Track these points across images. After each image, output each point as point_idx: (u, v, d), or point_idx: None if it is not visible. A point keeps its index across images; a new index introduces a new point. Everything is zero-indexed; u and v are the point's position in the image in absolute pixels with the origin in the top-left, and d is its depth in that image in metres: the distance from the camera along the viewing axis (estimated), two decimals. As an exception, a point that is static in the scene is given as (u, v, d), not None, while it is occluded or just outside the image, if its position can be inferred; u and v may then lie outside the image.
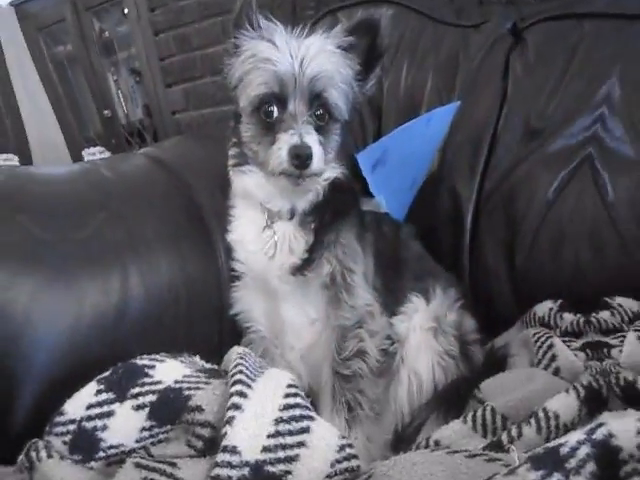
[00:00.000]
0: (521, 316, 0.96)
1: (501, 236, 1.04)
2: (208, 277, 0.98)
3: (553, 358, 0.81)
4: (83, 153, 2.88)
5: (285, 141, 0.81)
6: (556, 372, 0.79)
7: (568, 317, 0.93)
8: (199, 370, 0.73)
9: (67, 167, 1.05)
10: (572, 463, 0.46)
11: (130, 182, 1.00)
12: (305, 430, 0.62)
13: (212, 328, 0.97)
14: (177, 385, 0.68)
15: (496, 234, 1.04)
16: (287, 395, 0.65)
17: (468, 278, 1.07)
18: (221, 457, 0.58)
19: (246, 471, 0.57)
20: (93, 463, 0.64)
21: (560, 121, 1.01)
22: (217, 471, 0.57)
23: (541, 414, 0.64)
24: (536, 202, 1.00)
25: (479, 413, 0.71)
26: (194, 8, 2.28)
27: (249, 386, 0.64)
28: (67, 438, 0.65)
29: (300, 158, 0.81)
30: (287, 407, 0.63)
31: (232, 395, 0.62)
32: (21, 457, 0.65)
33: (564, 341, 0.84)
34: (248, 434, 0.60)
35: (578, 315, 0.91)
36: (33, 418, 0.71)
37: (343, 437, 0.63)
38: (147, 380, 0.68)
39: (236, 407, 0.62)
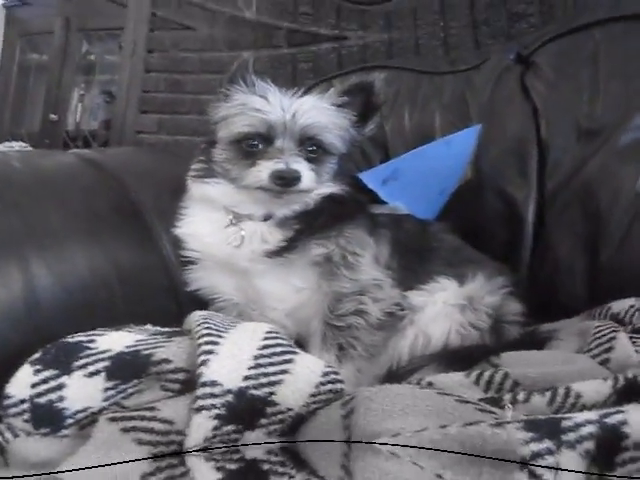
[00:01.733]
0: (591, 309, 0.99)
1: (579, 230, 1.12)
2: (148, 262, 1.02)
3: (608, 350, 0.80)
4: (1, 145, 2.90)
5: (267, 166, 0.86)
6: (604, 362, 0.78)
7: None
8: (154, 334, 0.75)
9: None
10: (570, 436, 0.48)
11: (41, 175, 1.05)
12: (288, 361, 0.65)
13: (166, 303, 1.01)
14: (131, 349, 0.70)
15: (572, 229, 1.13)
16: (266, 338, 0.68)
17: (527, 269, 1.18)
18: (201, 390, 0.61)
19: (229, 397, 0.61)
20: (65, 431, 0.66)
21: (615, 119, 1.13)
22: (199, 402, 0.60)
23: (561, 390, 0.63)
24: (623, 195, 1.08)
25: (487, 372, 0.71)
26: (195, 62, 2.42)
27: (220, 336, 0.67)
28: (26, 416, 0.67)
29: (284, 178, 0.85)
30: (267, 347, 0.66)
31: (201, 345, 0.65)
32: None
33: (632, 337, 0.83)
34: (227, 370, 0.63)
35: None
36: None
37: (329, 366, 0.67)
38: (90, 352, 0.69)
39: (208, 352, 0.64)
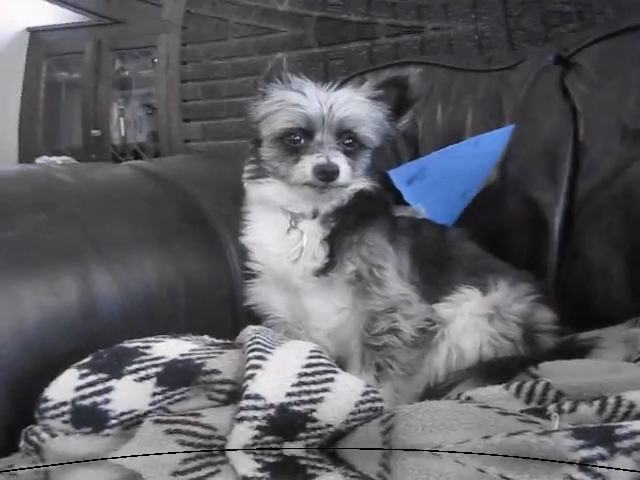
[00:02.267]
0: (637, 317, 0.97)
1: (617, 235, 1.11)
2: (215, 274, 1.06)
3: None
4: (37, 160, 2.93)
5: (310, 161, 0.89)
6: None
7: None
8: (209, 344, 0.77)
9: (7, 167, 1.14)
10: (625, 444, 0.46)
11: (96, 187, 1.06)
12: (329, 380, 0.66)
13: (224, 315, 1.04)
14: (184, 357, 0.71)
15: (608, 234, 1.12)
16: (310, 357, 0.69)
17: (554, 276, 1.17)
18: (245, 402, 0.63)
19: (272, 411, 0.62)
20: (107, 430, 0.67)
21: None
22: (242, 413, 0.62)
23: (611, 399, 0.60)
24: None
25: (528, 384, 0.69)
26: (228, 68, 2.51)
27: (268, 352, 0.69)
28: (66, 417, 0.67)
29: (326, 172, 0.88)
30: (310, 365, 0.68)
31: (250, 359, 0.67)
32: (22, 444, 0.69)
33: None
34: (271, 385, 0.64)
35: None
36: (16, 410, 0.74)
37: (369, 386, 0.68)
38: (145, 357, 0.71)
39: (256, 367, 0.66)
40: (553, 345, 0.92)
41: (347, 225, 0.93)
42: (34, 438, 0.67)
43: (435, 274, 0.96)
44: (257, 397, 0.62)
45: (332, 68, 2.14)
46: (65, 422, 0.67)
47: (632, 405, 0.59)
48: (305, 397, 0.63)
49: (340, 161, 0.88)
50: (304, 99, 0.90)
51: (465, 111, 1.35)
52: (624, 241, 1.09)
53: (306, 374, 0.66)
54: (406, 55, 1.93)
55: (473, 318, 0.90)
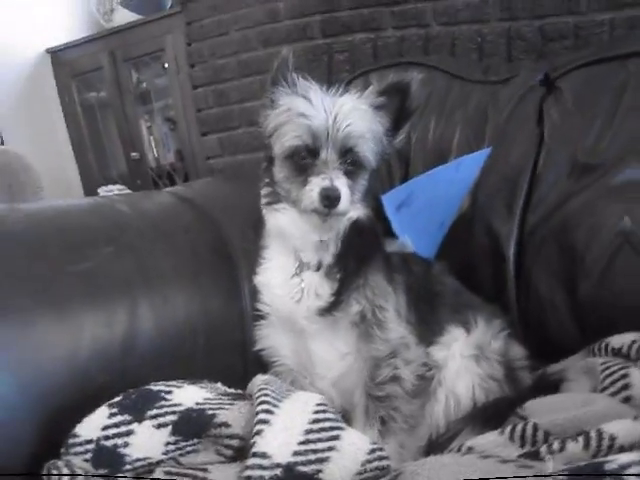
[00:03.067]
0: (588, 345, 1.02)
1: (555, 267, 1.15)
2: (230, 313, 1.08)
3: (625, 387, 0.82)
4: (99, 190, 3.09)
5: (317, 184, 0.93)
6: (626, 401, 0.80)
7: None
8: (222, 394, 0.80)
9: (76, 201, 1.18)
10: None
11: (148, 217, 1.11)
12: (335, 437, 0.68)
13: (235, 360, 1.06)
14: (199, 406, 0.75)
15: (549, 265, 1.16)
16: (316, 412, 0.71)
17: (516, 308, 1.19)
18: (252, 461, 0.64)
19: (278, 471, 0.64)
20: (121, 474, 0.71)
21: (617, 156, 1.13)
22: (248, 472, 0.63)
23: (593, 434, 0.63)
24: (604, 232, 1.09)
25: (519, 427, 0.73)
26: (234, 67, 2.54)
27: (276, 405, 0.71)
28: (88, 456, 0.71)
29: (329, 199, 0.92)
30: (317, 421, 0.70)
31: (259, 413, 0.69)
32: (44, 479, 0.73)
33: None
34: (278, 442, 0.66)
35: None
36: (40, 444, 0.79)
37: (374, 443, 0.70)
38: (165, 403, 0.75)
39: (264, 422, 0.68)
40: (530, 382, 0.98)
41: (349, 271, 0.97)
42: (54, 472, 0.70)
43: (426, 312, 1.01)
44: (264, 455, 0.63)
45: (337, 63, 2.15)
46: (86, 460, 0.70)
47: (613, 438, 0.62)
48: (312, 456, 0.65)
49: (341, 184, 0.92)
50: (310, 108, 0.94)
51: (454, 128, 1.37)
52: (562, 272, 1.12)
53: (312, 430, 0.67)
54: (410, 52, 1.95)
55: (463, 360, 0.96)
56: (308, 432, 0.67)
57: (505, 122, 1.31)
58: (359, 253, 0.99)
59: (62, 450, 0.73)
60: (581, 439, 0.63)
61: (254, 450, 0.64)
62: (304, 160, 0.95)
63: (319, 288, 0.98)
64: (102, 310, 0.91)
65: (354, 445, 0.67)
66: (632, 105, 1.15)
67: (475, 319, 1.01)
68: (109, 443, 0.71)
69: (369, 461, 0.67)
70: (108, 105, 3.39)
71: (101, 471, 0.70)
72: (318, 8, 2.19)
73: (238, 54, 2.49)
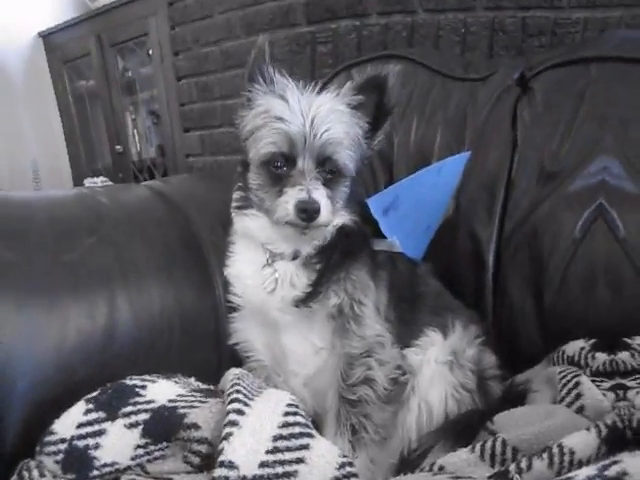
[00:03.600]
0: (548, 354, 1.05)
1: (526, 274, 1.16)
2: (204, 306, 1.07)
3: (578, 396, 0.86)
4: (85, 181, 3.17)
5: (292, 195, 0.89)
6: (580, 410, 0.84)
7: (601, 357, 0.97)
8: (194, 390, 0.79)
9: (64, 192, 1.16)
10: None
11: (125, 209, 1.11)
12: (304, 447, 0.66)
13: (209, 354, 1.06)
14: (171, 404, 0.73)
15: (521, 272, 1.17)
16: (287, 414, 0.69)
17: (492, 315, 1.20)
18: (218, 472, 0.62)
19: None
20: None
21: (576, 163, 1.14)
22: None
23: (555, 449, 0.66)
24: (562, 240, 1.12)
25: (489, 444, 0.75)
26: (217, 56, 2.50)
27: (246, 404, 0.69)
28: (59, 457, 0.70)
29: (307, 212, 0.88)
30: (286, 425, 0.68)
31: (229, 412, 0.67)
32: (13, 478, 0.72)
33: (594, 381, 0.89)
34: (246, 450, 0.64)
35: (612, 355, 0.97)
36: (22, 439, 0.79)
37: (344, 455, 0.68)
38: (139, 399, 0.74)
39: (233, 424, 0.66)
40: (499, 393, 0.98)
41: (332, 264, 0.94)
42: (25, 474, 0.69)
43: (407, 311, 0.99)
44: (231, 465, 0.61)
45: (320, 55, 2.11)
46: (57, 462, 0.69)
47: (572, 452, 0.64)
48: (279, 469, 0.62)
49: (320, 195, 0.88)
50: (287, 110, 0.90)
51: (435, 130, 1.36)
52: (531, 280, 1.14)
53: (282, 437, 0.65)
54: (394, 42, 1.91)
55: (437, 366, 0.94)
56: (277, 439, 0.65)
57: (483, 124, 1.30)
58: (344, 248, 0.97)
59: (37, 449, 0.72)
60: (546, 456, 0.65)
61: (221, 459, 0.63)
62: (280, 169, 0.91)
63: (294, 278, 0.95)
64: (85, 301, 0.91)
65: (323, 458, 0.65)
66: (589, 111, 1.15)
67: (453, 323, 0.99)
68: (81, 443, 0.70)
69: (337, 478, 0.65)
70: (97, 95, 3.43)
71: (69, 475, 0.69)
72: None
73: (221, 42, 2.45)
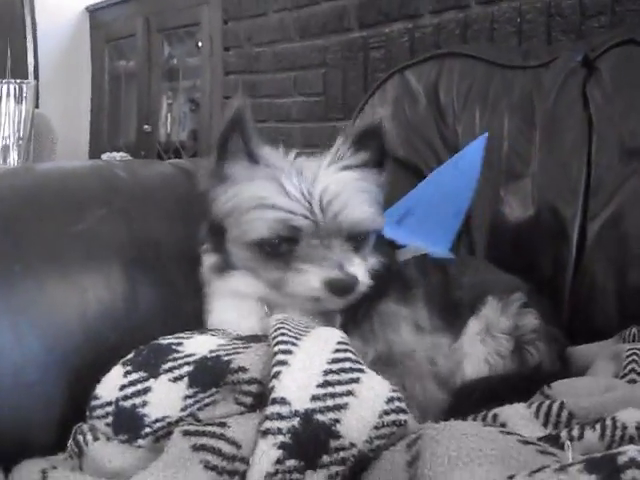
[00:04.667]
0: (621, 332, 1.02)
1: (611, 253, 1.16)
2: None
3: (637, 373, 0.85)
4: (102, 156, 3.14)
5: (317, 273, 0.76)
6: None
7: None
8: (235, 338, 0.79)
9: (79, 163, 1.21)
10: (628, 475, 0.49)
11: (143, 184, 1.12)
12: (354, 380, 0.66)
13: None
14: (213, 354, 0.74)
15: (606, 252, 1.17)
16: (337, 350, 0.69)
17: (569, 293, 1.20)
18: (270, 409, 0.63)
19: (296, 421, 0.62)
20: (140, 441, 0.70)
21: None
22: (267, 424, 0.62)
23: (608, 422, 0.65)
24: None
25: (546, 403, 0.74)
26: (269, 57, 2.56)
27: (294, 344, 0.69)
28: (109, 420, 0.71)
29: (343, 289, 0.76)
30: (336, 360, 0.68)
31: (276, 354, 0.67)
32: (70, 442, 0.74)
33: None
34: (297, 385, 0.64)
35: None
36: (71, 406, 0.80)
37: (394, 390, 0.67)
38: (178, 355, 0.74)
39: (282, 363, 0.66)
40: (542, 359, 0.93)
41: (358, 310, 0.83)
42: (80, 438, 0.71)
43: (449, 320, 0.92)
44: (283, 401, 0.62)
45: (372, 61, 2.13)
46: (108, 425, 0.70)
47: (625, 427, 0.64)
48: (330, 402, 0.63)
49: (357, 266, 0.77)
50: (284, 197, 0.76)
51: (502, 117, 1.35)
52: (616, 260, 1.13)
53: (332, 371, 0.65)
54: (448, 42, 1.93)
55: (468, 345, 0.90)
56: (327, 373, 0.65)
57: (552, 107, 1.29)
58: (369, 292, 0.82)
59: (87, 413, 0.73)
60: (598, 427, 0.65)
61: (272, 396, 0.63)
62: (280, 249, 0.78)
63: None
64: (100, 272, 0.92)
65: (373, 391, 0.65)
66: None
67: (484, 300, 0.94)
68: (128, 403, 0.70)
69: (386, 412, 0.64)
70: (134, 76, 3.50)
71: (121, 437, 0.69)
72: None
73: (274, 44, 2.50)
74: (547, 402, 0.74)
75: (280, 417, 0.62)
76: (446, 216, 1.19)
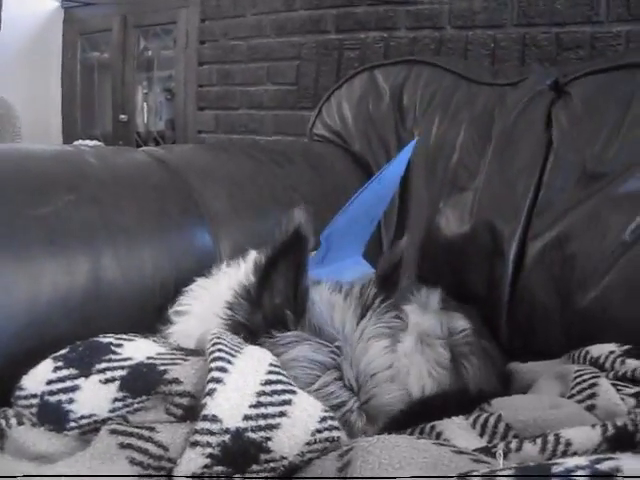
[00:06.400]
0: (569, 352, 1.01)
1: (556, 273, 1.15)
2: (202, 272, 1.03)
3: (591, 396, 0.81)
4: (75, 142, 3.05)
5: None
6: (590, 409, 0.79)
7: (632, 363, 0.89)
8: (175, 349, 0.77)
9: (42, 146, 1.14)
10: None
11: (115, 171, 1.09)
12: (287, 402, 0.65)
13: None
14: (150, 361, 0.71)
15: (550, 271, 1.16)
16: (269, 372, 0.68)
17: (506, 308, 1.20)
18: (201, 425, 0.61)
19: (226, 437, 0.61)
20: (67, 432, 0.68)
21: (624, 166, 1.13)
22: (196, 437, 0.60)
23: (551, 437, 0.64)
24: (607, 242, 1.10)
25: (483, 415, 0.74)
26: (243, 49, 2.57)
27: (229, 362, 0.67)
28: (33, 410, 0.69)
29: None
30: (269, 382, 0.66)
31: (212, 370, 0.66)
32: None
33: (615, 385, 0.83)
34: (229, 404, 0.63)
35: (647, 364, 0.96)
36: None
37: (326, 410, 0.66)
38: (114, 357, 0.71)
39: (217, 380, 0.65)
40: (478, 364, 0.93)
41: None
42: (2, 422, 0.68)
43: None
44: (214, 419, 0.60)
45: (346, 60, 2.17)
46: (32, 415, 0.68)
47: (569, 443, 0.62)
48: (262, 422, 0.62)
49: None
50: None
51: (459, 128, 1.36)
52: (560, 280, 1.13)
53: (264, 393, 0.64)
54: (421, 54, 1.93)
55: (407, 357, 0.89)
56: (260, 394, 0.64)
57: (512, 124, 1.31)
58: None
59: (12, 400, 0.70)
60: (539, 441, 0.63)
61: (204, 412, 0.61)
62: None
63: None
64: (62, 257, 0.88)
65: (305, 412, 0.64)
66: (638, 116, 1.15)
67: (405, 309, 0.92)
68: (53, 399, 0.68)
69: (319, 430, 0.63)
70: (108, 67, 3.47)
71: (47, 426, 0.67)
72: (335, 1, 2.20)
73: (249, 39, 2.51)
74: (485, 414, 0.74)
75: (210, 433, 0.60)
76: (363, 228, 1.17)
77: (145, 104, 3.34)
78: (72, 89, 3.64)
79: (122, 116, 3.29)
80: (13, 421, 0.68)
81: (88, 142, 3.02)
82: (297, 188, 1.29)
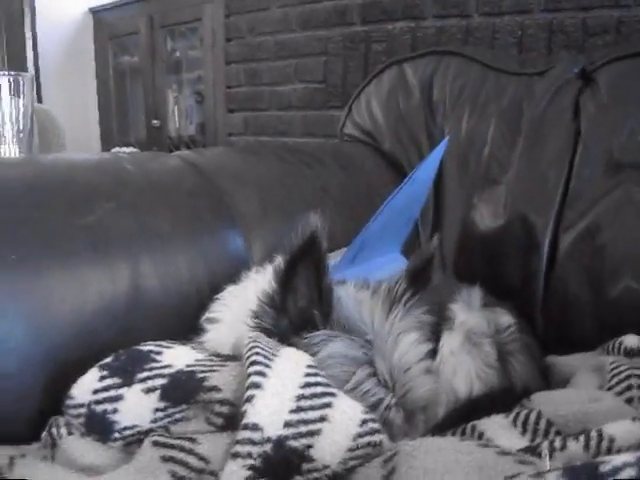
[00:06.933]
0: (603, 344, 1.00)
1: (587, 264, 1.14)
2: (235, 276, 1.03)
3: (629, 388, 0.80)
4: (112, 150, 3.11)
5: None
6: (629, 401, 0.79)
7: None
8: (212, 355, 0.77)
9: (86, 156, 1.18)
10: None
11: (151, 176, 1.10)
12: (327, 405, 0.64)
13: None
14: (189, 368, 0.72)
15: (581, 262, 1.15)
16: (307, 374, 0.67)
17: (541, 301, 1.18)
18: (242, 434, 0.61)
19: (268, 447, 0.60)
20: (111, 443, 0.70)
21: None
22: (237, 448, 0.60)
23: (594, 433, 0.62)
24: (636, 231, 1.09)
25: (523, 412, 0.73)
26: (270, 46, 2.55)
27: (267, 366, 0.67)
28: (81, 420, 0.71)
29: None
30: (308, 385, 0.66)
31: (250, 375, 0.66)
32: (44, 434, 0.73)
33: None
34: (269, 411, 0.62)
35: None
36: (51, 398, 0.78)
37: (367, 412, 0.65)
38: (155, 365, 0.73)
39: (256, 386, 0.64)
40: (525, 360, 0.92)
41: None
42: (54, 431, 0.70)
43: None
44: (255, 427, 0.60)
45: (374, 53, 2.14)
46: (81, 425, 0.70)
47: (612, 439, 0.61)
48: (303, 428, 0.61)
49: None
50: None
51: (488, 121, 1.35)
52: (592, 271, 1.12)
53: (304, 396, 0.63)
54: (449, 44, 1.90)
55: (454, 356, 0.88)
56: (299, 398, 0.63)
57: (541, 115, 1.28)
58: None
59: (63, 409, 0.72)
60: (582, 439, 0.62)
61: (245, 421, 0.61)
62: None
63: None
64: (105, 265, 0.90)
65: (345, 415, 0.63)
66: None
67: (450, 312, 0.93)
68: (99, 408, 0.70)
69: (360, 435, 0.62)
70: (139, 71, 3.48)
71: (93, 437, 0.69)
72: (359, -9, 2.19)
73: (276, 34, 2.49)
74: (525, 411, 0.73)
75: (252, 442, 0.60)
76: (398, 229, 1.15)
77: (176, 108, 3.37)
78: (107, 97, 3.71)
79: (155, 121, 3.31)
80: (63, 431, 0.70)
81: (125, 149, 3.10)
82: (327, 189, 1.29)
